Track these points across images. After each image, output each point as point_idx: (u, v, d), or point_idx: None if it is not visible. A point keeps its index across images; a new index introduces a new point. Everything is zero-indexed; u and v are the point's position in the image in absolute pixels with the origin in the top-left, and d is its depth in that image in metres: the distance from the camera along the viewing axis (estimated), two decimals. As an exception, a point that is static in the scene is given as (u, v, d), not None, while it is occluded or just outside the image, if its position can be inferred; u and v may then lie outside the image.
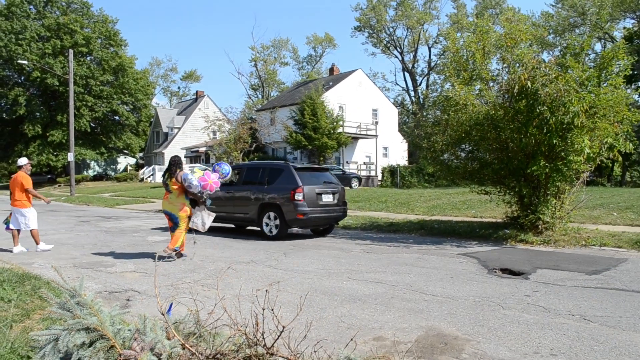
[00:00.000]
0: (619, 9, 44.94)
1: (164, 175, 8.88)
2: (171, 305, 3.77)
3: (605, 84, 10.64)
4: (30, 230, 9.75)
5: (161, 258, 8.34)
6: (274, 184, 11.85)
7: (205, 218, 8.69)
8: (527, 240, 10.43)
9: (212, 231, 13.40)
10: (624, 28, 43.22)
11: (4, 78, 49.36)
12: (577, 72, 10.41)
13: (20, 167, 9.86)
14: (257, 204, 11.98)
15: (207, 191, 8.58)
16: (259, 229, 12.20)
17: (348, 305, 5.61)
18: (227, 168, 9.02)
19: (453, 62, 12.51)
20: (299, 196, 11.26)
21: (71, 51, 34.30)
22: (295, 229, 13.20)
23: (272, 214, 11.74)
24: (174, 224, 8.67)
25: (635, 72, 34.56)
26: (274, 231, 11.70)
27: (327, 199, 11.94)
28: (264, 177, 12.21)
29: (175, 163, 8.73)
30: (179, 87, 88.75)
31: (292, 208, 11.27)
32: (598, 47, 49.25)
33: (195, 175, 8.45)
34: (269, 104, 49.08)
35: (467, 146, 12.64)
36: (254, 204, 12.05)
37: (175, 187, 8.58)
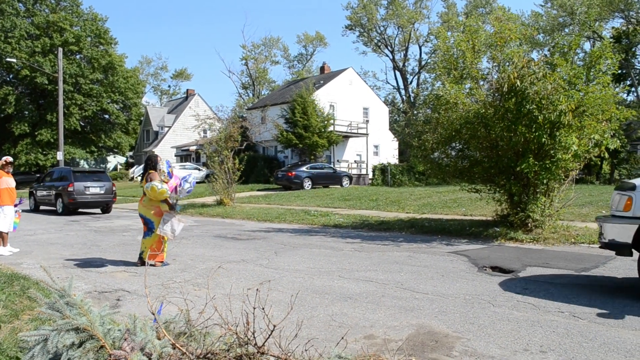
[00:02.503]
0: (608, 9, 45.26)
1: (142, 176, 8.38)
2: (161, 305, 3.75)
3: (593, 83, 10.72)
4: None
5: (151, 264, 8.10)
6: (62, 181, 19.25)
7: (175, 225, 8.00)
8: (517, 238, 10.50)
9: (202, 231, 13.38)
10: (613, 28, 43.53)
11: (-7, 76, 48.95)
12: (566, 71, 10.49)
13: None
14: (54, 192, 19.50)
15: (177, 195, 8.06)
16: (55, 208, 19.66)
17: (339, 303, 5.62)
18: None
19: (443, 61, 12.56)
20: (70, 188, 18.55)
21: (60, 49, 34.02)
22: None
23: (60, 199, 19.16)
24: (148, 228, 8.13)
25: (624, 71, 34.86)
26: (61, 210, 19.23)
27: (94, 190, 19.19)
28: (59, 176, 19.79)
29: (148, 163, 8.23)
30: (169, 86, 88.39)
31: (67, 195, 18.61)
32: (587, 46, 49.63)
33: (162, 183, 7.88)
34: (259, 102, 48.94)
35: (457, 144, 12.69)
36: (54, 192, 19.57)
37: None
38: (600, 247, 6.38)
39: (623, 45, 34.37)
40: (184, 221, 8.28)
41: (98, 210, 20.55)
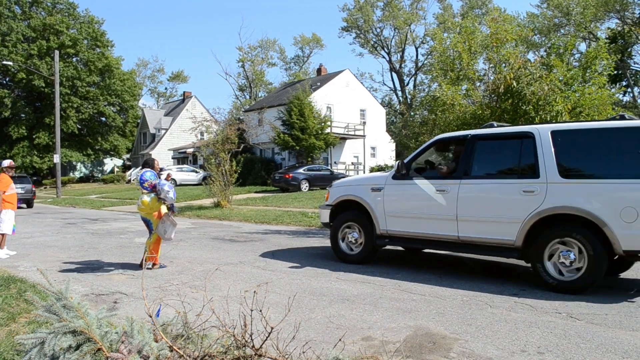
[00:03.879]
0: (603, 9, 45.43)
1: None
2: (160, 307, 3.74)
3: (589, 84, 10.76)
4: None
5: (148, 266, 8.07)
6: None
7: (167, 227, 7.93)
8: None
9: (199, 233, 13.36)
10: (608, 28, 43.72)
11: (-11, 79, 48.96)
12: (562, 72, 10.53)
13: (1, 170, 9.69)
14: None
15: (170, 197, 7.95)
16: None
17: (336, 305, 5.61)
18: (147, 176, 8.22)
19: (440, 62, 12.59)
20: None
21: (57, 52, 34.02)
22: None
23: None
24: (149, 230, 8.13)
25: (620, 72, 34.98)
26: None
27: (19, 190, 21.05)
28: None
29: (145, 167, 8.22)
30: (166, 88, 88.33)
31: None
32: (583, 47, 49.78)
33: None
34: (256, 104, 48.93)
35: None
36: None
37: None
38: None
39: (619, 45, 34.53)
40: (176, 224, 8.13)
41: (92, 213, 20.61)
